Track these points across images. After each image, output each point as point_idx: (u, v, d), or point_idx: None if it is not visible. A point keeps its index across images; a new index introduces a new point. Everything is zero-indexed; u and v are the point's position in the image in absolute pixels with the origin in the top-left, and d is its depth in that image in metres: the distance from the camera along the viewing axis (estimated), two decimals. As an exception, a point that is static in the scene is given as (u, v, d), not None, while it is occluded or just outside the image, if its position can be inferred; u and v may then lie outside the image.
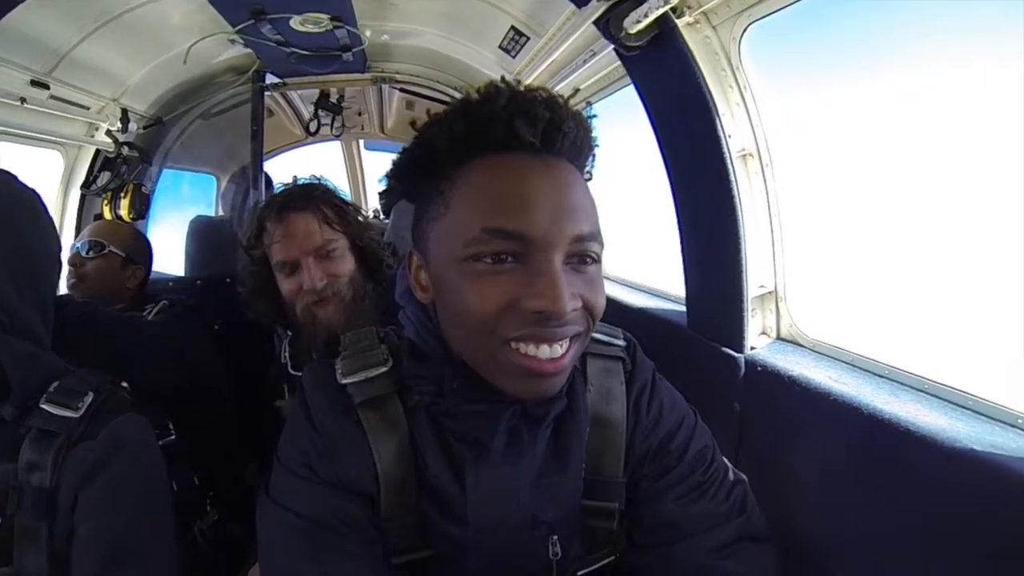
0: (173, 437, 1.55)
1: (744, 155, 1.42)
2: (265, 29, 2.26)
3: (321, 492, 0.84)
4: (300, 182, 1.57)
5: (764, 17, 1.27)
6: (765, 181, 1.42)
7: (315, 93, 3.43)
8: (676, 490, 0.95)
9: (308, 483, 0.84)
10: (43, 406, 1.00)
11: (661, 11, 1.24)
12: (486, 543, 0.87)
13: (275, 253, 1.46)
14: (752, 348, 1.45)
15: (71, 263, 1.84)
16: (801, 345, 1.42)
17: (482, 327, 0.73)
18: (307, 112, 3.65)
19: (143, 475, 1.06)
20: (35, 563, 0.95)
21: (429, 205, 0.79)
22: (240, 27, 2.22)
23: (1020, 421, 0.97)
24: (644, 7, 1.25)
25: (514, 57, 2.38)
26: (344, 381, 0.87)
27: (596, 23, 1.42)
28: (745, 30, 1.32)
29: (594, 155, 0.84)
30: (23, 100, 2.01)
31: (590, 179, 0.83)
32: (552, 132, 0.74)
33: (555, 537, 0.90)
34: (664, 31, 1.35)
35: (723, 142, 1.36)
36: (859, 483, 1.10)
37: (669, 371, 1.06)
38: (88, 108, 2.44)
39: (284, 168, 4.46)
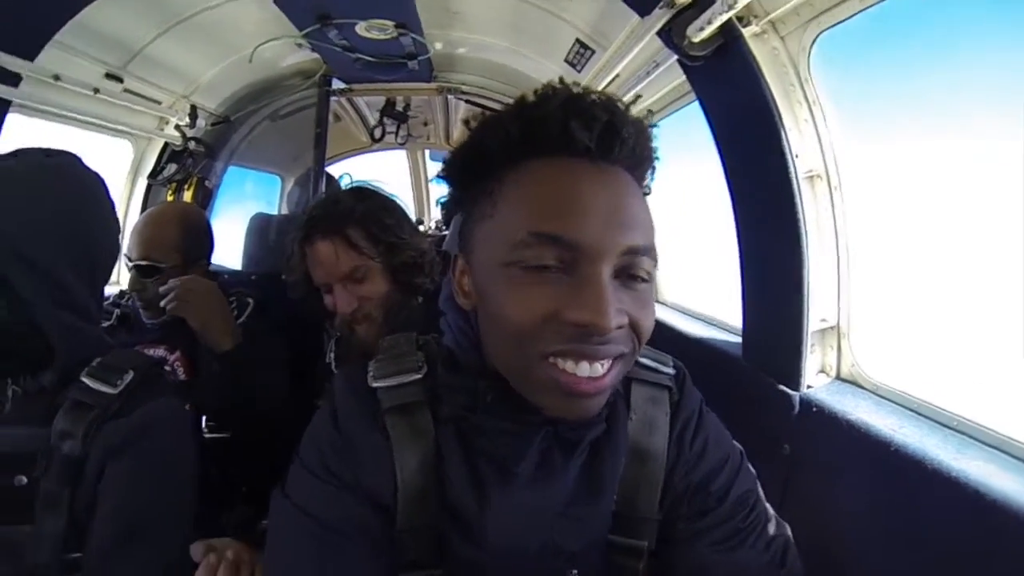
0: (205, 432, 1.69)
1: (812, 176, 1.31)
2: (331, 34, 2.32)
3: (336, 495, 0.81)
4: (352, 184, 1.57)
5: (835, 25, 1.17)
6: (833, 205, 1.31)
7: (381, 101, 3.48)
8: (713, 534, 0.86)
9: (324, 484, 0.81)
10: (83, 379, 1.03)
11: (725, 17, 1.16)
12: (502, 568, 0.81)
13: (312, 274, 1.47)
14: (809, 387, 1.33)
15: (132, 288, 1.76)
16: (862, 387, 1.30)
17: (521, 337, 0.69)
18: (373, 119, 3.70)
19: (169, 459, 1.08)
20: (54, 526, 0.98)
21: (476, 207, 0.76)
22: (306, 31, 2.28)
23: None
24: (707, 14, 1.18)
25: (579, 71, 2.33)
26: (374, 385, 0.84)
27: (659, 33, 1.36)
28: (815, 40, 1.22)
29: (654, 168, 0.79)
30: (96, 91, 2.10)
31: (648, 193, 0.78)
32: (609, 137, 0.70)
33: (575, 571, 0.83)
34: (729, 41, 1.27)
35: (789, 161, 1.27)
36: (913, 544, 0.98)
37: (719, 404, 0.98)
38: (159, 102, 2.56)
39: (351, 171, 4.61)
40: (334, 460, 0.82)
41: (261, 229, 3.04)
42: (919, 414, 1.14)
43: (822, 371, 1.37)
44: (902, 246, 1.38)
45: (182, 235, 1.79)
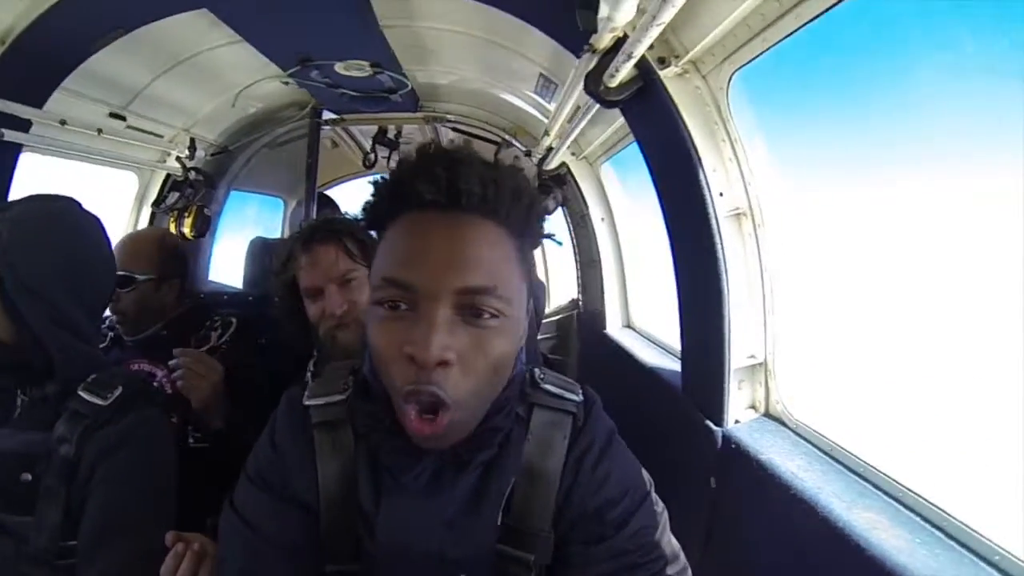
0: (191, 442, 1.80)
1: (738, 214, 1.32)
2: (313, 74, 2.41)
3: (266, 501, 0.91)
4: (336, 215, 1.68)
5: (749, 63, 1.18)
6: (758, 242, 1.31)
7: (375, 128, 3.56)
8: (607, 565, 0.88)
9: (259, 492, 0.92)
10: (80, 392, 1.20)
11: (635, 59, 1.18)
12: (388, 569, 0.89)
13: (302, 280, 1.56)
14: (737, 421, 1.33)
15: None
16: (785, 425, 1.29)
17: (385, 368, 0.78)
18: (368, 145, 3.79)
19: (151, 463, 1.24)
20: (52, 517, 1.15)
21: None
22: (290, 72, 2.38)
23: (997, 558, 0.82)
24: (621, 56, 1.20)
25: (548, 101, 2.38)
26: (306, 403, 0.94)
27: (587, 76, 1.38)
28: (731, 79, 1.24)
29: (529, 207, 0.82)
30: (100, 131, 2.25)
31: (538, 231, 0.86)
32: (452, 190, 0.76)
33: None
34: (647, 82, 1.29)
35: (708, 200, 1.29)
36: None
37: (657, 434, 0.99)
38: (161, 136, 2.69)
39: (347, 194, 4.81)
40: (268, 470, 0.93)
41: (259, 252, 3.14)
42: (830, 456, 1.14)
43: (752, 407, 1.37)
44: (828, 281, 1.37)
45: (158, 253, 1.95)
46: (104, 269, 1.35)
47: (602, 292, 2.78)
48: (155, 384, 1.83)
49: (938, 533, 0.87)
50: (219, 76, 2.55)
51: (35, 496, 1.16)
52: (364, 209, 0.85)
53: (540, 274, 4.47)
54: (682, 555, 0.95)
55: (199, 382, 1.65)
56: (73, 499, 1.16)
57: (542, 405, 0.95)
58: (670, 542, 0.94)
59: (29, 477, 1.17)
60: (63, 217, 1.28)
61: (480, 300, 0.75)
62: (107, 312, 1.77)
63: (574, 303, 3.69)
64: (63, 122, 2.05)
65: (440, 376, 0.74)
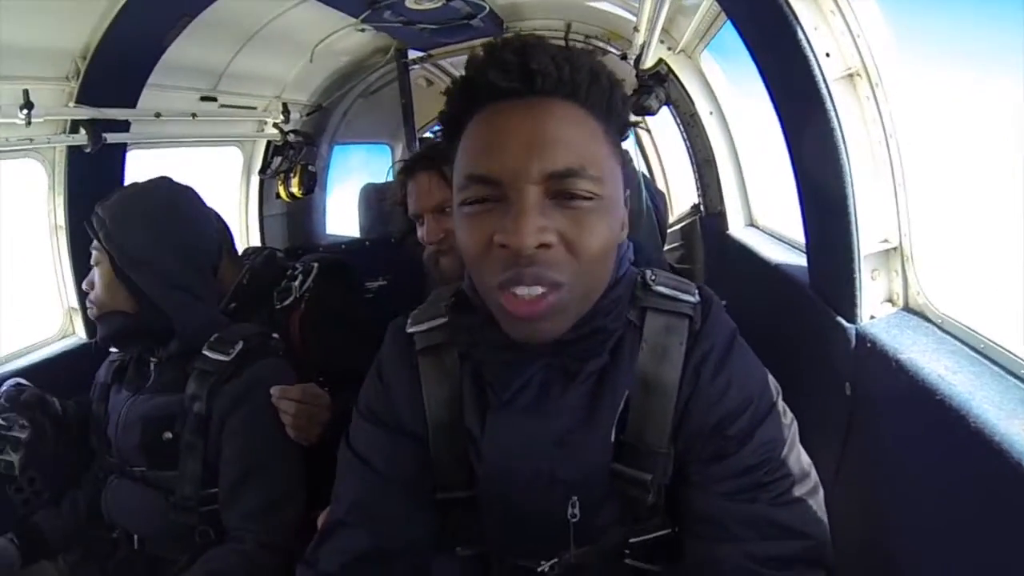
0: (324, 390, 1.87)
1: (850, 75, 1.11)
2: (386, 15, 2.40)
3: (379, 435, 0.95)
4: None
5: None
6: (878, 106, 1.10)
7: (465, 59, 3.49)
8: (729, 484, 0.83)
9: (370, 426, 0.96)
10: (204, 352, 1.34)
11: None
12: (499, 492, 0.90)
13: (409, 208, 1.61)
14: (873, 317, 1.15)
15: None
16: (928, 319, 1.09)
17: (476, 267, 0.78)
18: (463, 76, 3.75)
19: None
20: (193, 469, 1.31)
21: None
22: (362, 17, 2.37)
23: None
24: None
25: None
26: (409, 330, 0.96)
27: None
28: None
29: (610, 89, 0.79)
30: (194, 115, 2.40)
31: (624, 115, 0.83)
32: (527, 74, 0.74)
33: (575, 498, 0.86)
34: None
35: (813, 63, 1.08)
36: (954, 508, 0.84)
37: (786, 338, 0.90)
38: (255, 108, 2.83)
39: None
40: (377, 403, 0.97)
41: (372, 198, 3.26)
42: (983, 356, 0.94)
43: (889, 300, 1.18)
44: (968, 149, 1.13)
45: None
46: (205, 232, 1.47)
47: (720, 192, 2.57)
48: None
49: None
50: (295, 38, 2.64)
51: (176, 452, 1.31)
52: (440, 119, 0.84)
53: (660, 184, 4.25)
54: (813, 472, 0.88)
55: (308, 427, 1.41)
56: (210, 451, 1.31)
57: (656, 309, 0.89)
58: (799, 458, 0.86)
59: (170, 435, 1.32)
60: (155, 192, 1.41)
61: (570, 183, 0.73)
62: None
63: (695, 208, 3.46)
64: (158, 115, 2.21)
65: (541, 258, 0.71)
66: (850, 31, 1.08)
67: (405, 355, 0.95)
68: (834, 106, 1.09)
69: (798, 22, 1.08)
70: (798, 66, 1.11)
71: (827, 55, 1.09)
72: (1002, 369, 0.89)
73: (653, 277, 0.91)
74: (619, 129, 0.82)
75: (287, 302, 1.80)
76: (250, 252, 1.92)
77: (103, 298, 1.35)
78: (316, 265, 1.92)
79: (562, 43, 2.64)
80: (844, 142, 1.10)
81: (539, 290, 0.72)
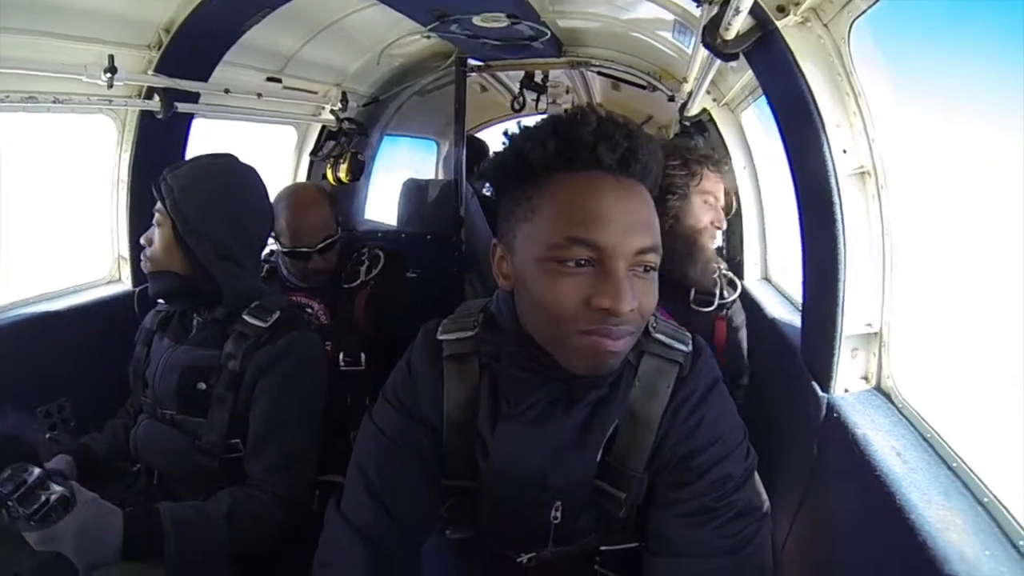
0: (361, 367, 2.14)
1: (861, 173, 1.23)
2: (452, 27, 2.50)
3: (400, 417, 1.09)
4: None
5: (868, 9, 1.08)
6: (881, 205, 1.22)
7: (522, 72, 3.61)
8: (683, 507, 0.99)
9: (393, 409, 1.10)
10: (244, 316, 1.48)
11: (744, 12, 1.11)
12: (496, 488, 1.05)
13: None
14: (847, 391, 1.28)
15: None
16: (892, 401, 1.22)
17: (560, 319, 0.87)
18: (516, 88, 3.87)
19: (302, 376, 1.50)
20: (221, 418, 1.44)
21: (516, 207, 0.93)
22: (430, 27, 2.50)
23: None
24: (730, 9, 1.14)
25: (687, 46, 2.28)
26: (440, 337, 1.09)
27: (704, 27, 1.32)
28: (852, 26, 1.13)
29: (660, 173, 0.95)
30: (259, 95, 2.57)
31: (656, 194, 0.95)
32: (628, 157, 0.87)
33: (559, 503, 1.03)
34: (766, 33, 1.22)
35: (829, 157, 1.21)
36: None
37: (773, 393, 1.02)
38: (315, 92, 2.99)
39: (497, 135, 4.91)
40: (403, 391, 1.10)
41: (412, 192, 3.40)
42: (927, 443, 1.07)
43: (864, 377, 1.30)
44: (955, 250, 1.24)
45: (333, 212, 2.27)
46: (260, 211, 1.59)
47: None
48: (310, 313, 2.11)
49: (1013, 551, 0.81)
50: (363, 36, 2.79)
51: (208, 401, 1.45)
52: (518, 155, 0.92)
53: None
54: (764, 507, 1.03)
55: None
56: (238, 405, 1.45)
57: (652, 353, 1.04)
58: (751, 494, 1.01)
59: (204, 386, 1.45)
60: (222, 170, 1.52)
61: (647, 258, 0.88)
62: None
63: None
64: (227, 91, 2.36)
65: (629, 318, 0.86)
66: (867, 133, 1.21)
67: (432, 357, 1.08)
68: (841, 199, 1.21)
69: (821, 118, 1.20)
70: (818, 155, 1.23)
71: (844, 151, 1.22)
72: (939, 458, 1.02)
73: (655, 325, 1.06)
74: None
75: (355, 283, 2.22)
76: None
77: (160, 257, 1.46)
78: (381, 255, 2.28)
79: (616, 74, 2.79)
80: (844, 232, 1.22)
81: (621, 343, 0.88)
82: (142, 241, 1.50)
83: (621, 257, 0.84)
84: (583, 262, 0.85)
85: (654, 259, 0.88)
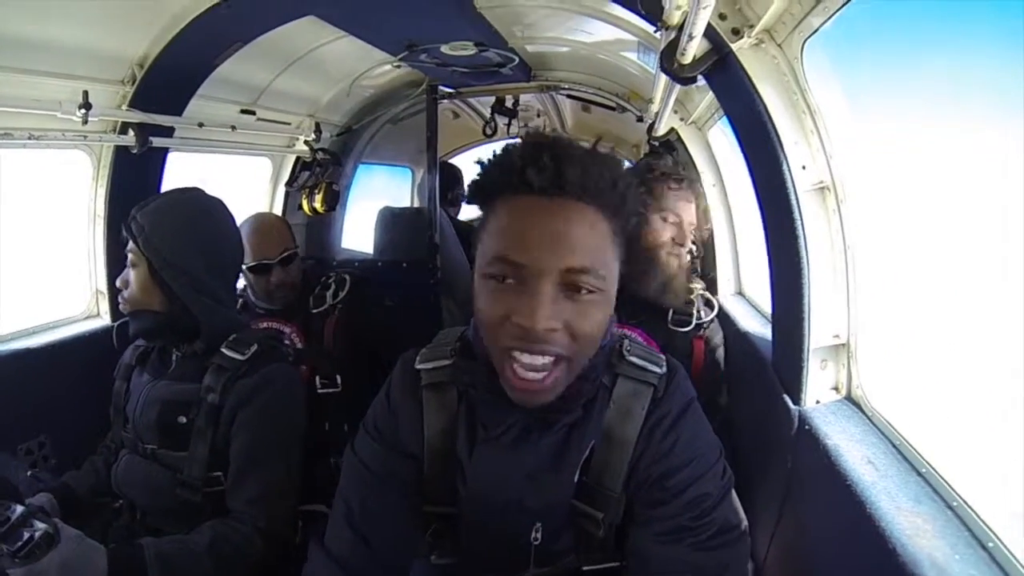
0: (338, 389, 2.17)
1: (821, 188, 1.26)
2: (422, 56, 2.55)
3: (380, 449, 1.10)
4: None
5: (819, 29, 1.11)
6: (841, 218, 1.25)
7: (493, 98, 3.65)
8: (660, 525, 0.99)
9: (373, 441, 1.12)
10: (223, 349, 1.48)
11: (698, 37, 1.15)
12: (476, 512, 1.06)
13: None
14: (818, 402, 1.30)
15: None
16: (862, 410, 1.24)
17: (489, 332, 0.91)
18: (488, 114, 3.91)
19: (281, 409, 1.51)
20: (202, 452, 1.44)
21: (478, 231, 0.96)
22: (400, 56, 2.54)
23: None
24: (685, 34, 1.17)
25: (652, 67, 2.33)
26: (418, 366, 1.11)
27: (662, 52, 1.35)
28: (804, 46, 1.17)
29: (624, 194, 0.93)
30: (233, 127, 2.58)
31: (632, 212, 0.96)
32: (557, 178, 0.87)
33: (538, 524, 1.03)
34: (722, 56, 1.25)
35: (788, 174, 1.24)
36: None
37: (748, 408, 1.02)
38: (289, 124, 3.02)
39: (471, 161, 4.93)
40: (382, 422, 1.11)
41: (388, 221, 3.41)
42: (897, 450, 1.09)
43: (835, 388, 1.32)
44: (916, 259, 1.27)
45: (288, 231, 2.34)
46: (233, 243, 1.60)
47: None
48: (285, 339, 2.13)
49: (982, 553, 0.83)
50: (334, 67, 2.83)
51: (188, 435, 1.45)
52: (471, 186, 0.97)
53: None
54: (743, 525, 1.03)
55: None
56: (218, 438, 1.45)
57: (626, 376, 1.06)
58: (728, 512, 1.02)
59: (184, 420, 1.47)
60: (189, 203, 1.54)
61: (579, 278, 0.87)
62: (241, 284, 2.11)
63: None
64: (200, 124, 2.37)
65: (546, 338, 0.86)
66: (824, 150, 1.24)
67: (411, 387, 1.10)
68: (801, 215, 1.24)
69: (779, 136, 1.23)
70: (778, 172, 1.26)
71: (803, 168, 1.25)
72: (909, 465, 1.04)
73: (628, 348, 1.08)
74: (626, 224, 0.97)
75: (322, 308, 2.27)
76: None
77: (138, 296, 1.46)
78: (347, 279, 2.35)
79: (585, 96, 2.83)
80: (807, 245, 1.25)
81: (540, 360, 0.88)
82: (118, 284, 1.50)
83: (543, 276, 0.85)
84: (509, 280, 0.87)
85: (591, 281, 0.88)
